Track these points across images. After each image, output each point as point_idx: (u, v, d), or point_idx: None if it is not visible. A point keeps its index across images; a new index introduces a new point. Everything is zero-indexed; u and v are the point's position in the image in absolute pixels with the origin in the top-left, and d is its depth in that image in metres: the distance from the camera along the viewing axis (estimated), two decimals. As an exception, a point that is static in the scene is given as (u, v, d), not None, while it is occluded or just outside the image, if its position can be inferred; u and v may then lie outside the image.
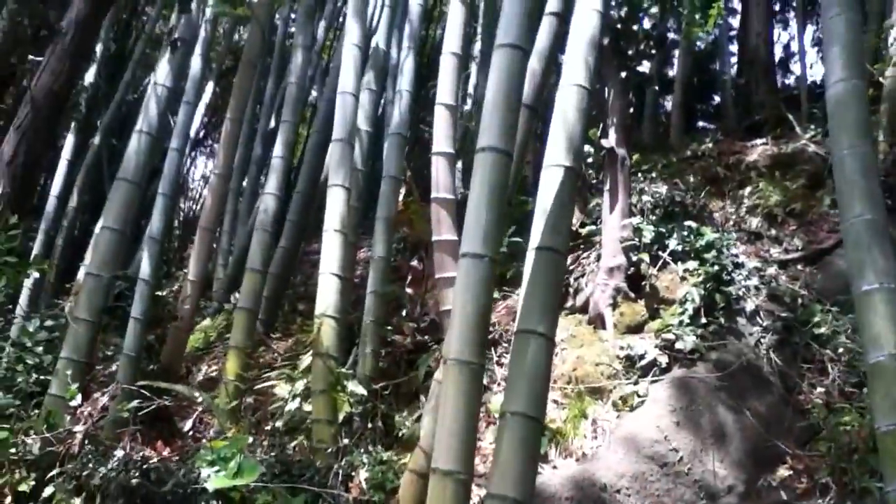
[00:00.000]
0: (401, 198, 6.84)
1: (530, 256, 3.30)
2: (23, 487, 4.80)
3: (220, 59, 12.82)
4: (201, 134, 16.64)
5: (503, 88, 3.12)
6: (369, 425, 5.59)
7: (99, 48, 9.53)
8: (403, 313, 6.93)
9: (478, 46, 10.18)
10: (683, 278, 5.95)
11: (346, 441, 5.16)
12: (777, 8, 12.13)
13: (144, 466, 4.41)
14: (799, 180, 7.22)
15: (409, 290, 7.10)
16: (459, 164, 8.88)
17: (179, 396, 6.33)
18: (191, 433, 6.14)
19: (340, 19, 12.05)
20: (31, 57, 6.80)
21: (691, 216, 6.59)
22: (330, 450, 5.01)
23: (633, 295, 6.03)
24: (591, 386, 5.58)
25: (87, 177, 10.10)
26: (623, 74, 6.35)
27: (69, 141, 9.73)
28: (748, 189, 7.32)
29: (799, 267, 6.48)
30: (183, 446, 5.69)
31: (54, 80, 6.18)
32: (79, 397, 5.35)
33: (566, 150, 3.36)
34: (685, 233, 6.14)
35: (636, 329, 5.93)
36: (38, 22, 7.79)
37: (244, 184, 10.46)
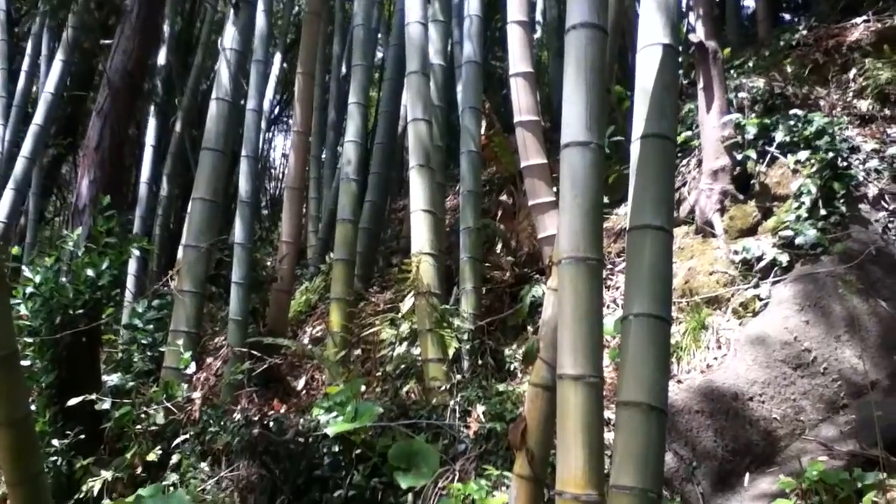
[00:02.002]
0: (482, 131, 6.64)
1: (635, 148, 3.02)
2: (151, 457, 4.93)
3: (284, 31, 12.84)
4: (275, 112, 16.78)
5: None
6: (479, 362, 5.48)
7: (167, 29, 9.60)
8: (498, 249, 6.76)
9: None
10: (795, 171, 5.52)
11: (458, 377, 5.07)
12: None
13: (264, 421, 4.43)
14: (911, 53, 6.57)
15: (501, 226, 6.93)
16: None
17: (290, 356, 6.39)
18: (304, 391, 6.18)
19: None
20: (102, 41, 6.88)
21: (795, 107, 6.09)
22: (443, 388, 4.93)
23: (741, 196, 5.65)
24: (708, 296, 5.29)
25: (173, 167, 10.28)
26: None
27: (151, 125, 9.91)
28: (853, 71, 6.71)
29: (922, 143, 5.92)
30: (298, 403, 5.74)
31: (127, 60, 6.24)
32: (193, 365, 5.46)
33: (662, 25, 3.03)
34: (792, 122, 5.68)
35: (749, 231, 5.56)
36: (107, 9, 7.91)
37: (323, 155, 10.46)
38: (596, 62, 2.81)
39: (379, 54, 11.55)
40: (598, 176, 2.81)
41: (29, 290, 5.28)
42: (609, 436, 3.30)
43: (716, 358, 4.91)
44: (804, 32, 7.39)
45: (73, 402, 4.91)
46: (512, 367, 5.56)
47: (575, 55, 2.82)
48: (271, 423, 4.34)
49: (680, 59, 6.37)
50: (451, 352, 5.24)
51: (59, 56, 7.89)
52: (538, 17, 10.18)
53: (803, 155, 5.47)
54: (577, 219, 2.76)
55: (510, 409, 4.46)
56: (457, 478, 4.05)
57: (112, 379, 5.55)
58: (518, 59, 5.55)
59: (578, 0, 2.85)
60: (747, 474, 4.19)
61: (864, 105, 6.36)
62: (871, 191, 5.46)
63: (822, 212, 5.24)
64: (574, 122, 2.81)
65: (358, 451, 4.19)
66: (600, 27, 2.84)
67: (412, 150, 5.48)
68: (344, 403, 4.29)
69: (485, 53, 8.10)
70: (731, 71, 6.86)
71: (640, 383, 2.70)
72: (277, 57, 12.08)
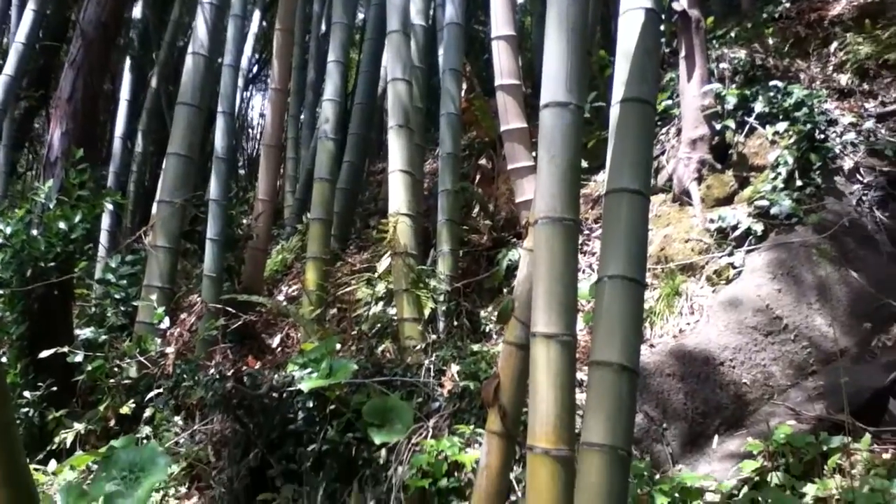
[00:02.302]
0: (463, 94, 6.59)
1: (614, 111, 3.02)
2: (124, 410, 4.93)
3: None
4: (254, 70, 16.53)
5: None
6: (455, 323, 5.50)
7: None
8: (476, 213, 6.77)
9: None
10: (773, 142, 5.56)
11: (433, 337, 5.09)
12: None
13: (238, 375, 4.42)
14: (891, 28, 6.59)
15: (479, 190, 6.92)
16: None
17: (265, 313, 6.37)
18: (279, 349, 6.18)
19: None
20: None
21: (775, 79, 6.11)
22: (418, 347, 4.94)
23: (719, 166, 5.68)
24: (682, 263, 5.34)
25: (149, 123, 10.12)
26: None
27: (126, 80, 9.74)
28: (834, 45, 6.75)
29: (899, 119, 5.98)
30: (273, 360, 5.74)
31: (101, 10, 6.11)
32: (167, 320, 5.43)
33: (645, -14, 3.02)
34: (771, 93, 5.71)
35: (726, 201, 5.61)
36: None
37: (302, 115, 10.35)
38: (578, 23, 2.79)
39: (360, 15, 11.41)
40: (576, 137, 2.80)
41: (-1, 241, 5.22)
42: (581, 396, 3.34)
43: (688, 323, 4.97)
44: (787, 5, 7.39)
45: (44, 354, 4.88)
46: (487, 329, 5.60)
47: (557, 14, 2.79)
48: (245, 378, 4.33)
49: (662, 27, 6.35)
50: (426, 312, 5.24)
51: (31, 5, 7.66)
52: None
53: (782, 126, 5.51)
54: (554, 179, 2.76)
55: (484, 369, 4.48)
56: (430, 434, 4.08)
57: (85, 333, 5.52)
58: (500, 22, 5.50)
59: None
60: (716, 436, 4.27)
61: (843, 79, 6.40)
62: (847, 164, 5.51)
63: (798, 183, 5.29)
64: (554, 82, 2.79)
65: (332, 406, 4.19)
66: (582, -15, 2.82)
67: (391, 110, 5.43)
68: (319, 360, 4.28)
69: (467, 16, 8.01)
70: (714, 41, 6.85)
71: (613, 343, 2.71)
72: (257, 14, 11.88)
